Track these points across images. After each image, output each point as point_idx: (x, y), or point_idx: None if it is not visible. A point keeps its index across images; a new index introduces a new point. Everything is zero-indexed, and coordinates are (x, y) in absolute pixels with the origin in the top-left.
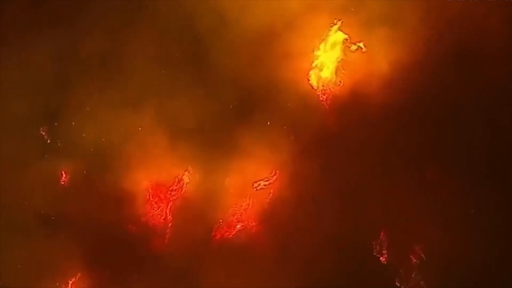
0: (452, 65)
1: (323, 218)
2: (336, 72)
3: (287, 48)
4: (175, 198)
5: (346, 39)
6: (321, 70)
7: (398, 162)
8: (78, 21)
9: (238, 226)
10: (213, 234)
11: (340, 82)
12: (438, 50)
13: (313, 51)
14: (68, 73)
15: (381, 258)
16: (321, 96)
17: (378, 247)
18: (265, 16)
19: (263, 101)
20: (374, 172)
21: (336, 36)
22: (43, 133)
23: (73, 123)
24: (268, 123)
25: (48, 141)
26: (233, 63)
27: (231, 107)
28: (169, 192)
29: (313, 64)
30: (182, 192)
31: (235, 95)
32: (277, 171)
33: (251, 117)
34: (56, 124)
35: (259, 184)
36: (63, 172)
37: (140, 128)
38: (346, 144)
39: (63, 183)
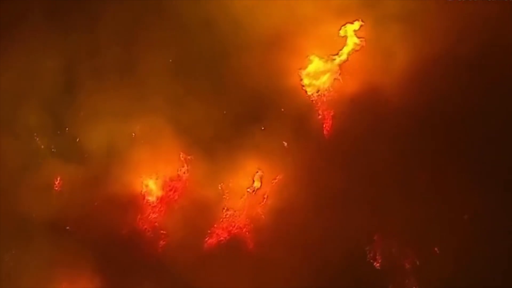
0: (468, 67)
1: (317, 224)
2: (333, 78)
3: (284, 54)
4: (170, 202)
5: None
6: (318, 75)
7: (391, 168)
8: (88, 28)
9: (232, 231)
10: (207, 238)
11: (334, 87)
12: (453, 52)
13: (308, 56)
14: (67, 80)
15: (375, 264)
16: (315, 101)
17: (372, 252)
18: (269, 23)
19: (258, 106)
20: (367, 177)
21: (342, 39)
22: (37, 139)
23: (67, 129)
24: (263, 128)
25: (42, 146)
26: (229, 70)
27: (224, 112)
28: (163, 196)
29: (308, 69)
30: (177, 196)
31: (229, 101)
32: (271, 176)
33: (245, 122)
34: (50, 129)
35: (253, 189)
36: (57, 178)
37: (133, 134)
38: (339, 149)
39: (57, 189)
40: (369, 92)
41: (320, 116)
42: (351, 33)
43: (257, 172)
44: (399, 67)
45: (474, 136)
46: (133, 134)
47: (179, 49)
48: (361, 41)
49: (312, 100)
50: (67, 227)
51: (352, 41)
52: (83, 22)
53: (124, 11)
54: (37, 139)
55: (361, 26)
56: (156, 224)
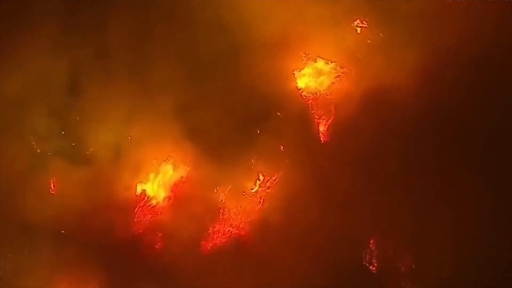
0: (474, 68)
1: (313, 227)
2: (330, 81)
3: (283, 57)
4: (168, 205)
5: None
6: (315, 77)
7: (388, 171)
8: (94, 28)
9: (230, 233)
10: (205, 241)
11: (331, 90)
12: (459, 53)
13: (305, 58)
14: (68, 83)
15: (370, 267)
16: (311, 104)
17: (367, 256)
18: (272, 25)
19: (255, 109)
20: (363, 181)
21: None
22: (33, 143)
23: (63, 132)
24: (258, 132)
25: (38, 150)
26: (229, 72)
27: (219, 115)
28: (161, 199)
29: (305, 72)
30: (175, 199)
31: (228, 103)
32: (268, 179)
33: (242, 125)
34: (47, 133)
35: (250, 192)
36: (53, 182)
37: (129, 138)
38: (335, 153)
39: (52, 192)
40: (366, 95)
41: (316, 119)
42: (351, 35)
43: (254, 175)
44: (400, 69)
45: (474, 139)
46: (129, 137)
47: (184, 52)
48: (362, 43)
49: (308, 104)
50: (62, 231)
51: (352, 44)
52: (90, 23)
53: (131, 13)
54: (34, 142)
55: (363, 27)
56: (154, 226)
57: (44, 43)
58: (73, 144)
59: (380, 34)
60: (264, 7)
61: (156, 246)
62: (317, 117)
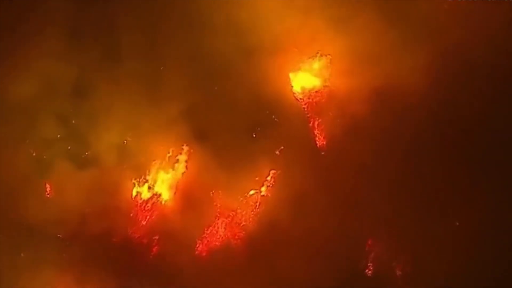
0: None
1: (311, 230)
2: (324, 83)
3: (281, 60)
4: (164, 207)
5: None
6: (310, 81)
7: (386, 173)
8: (102, 32)
9: (226, 237)
10: (202, 243)
11: (326, 92)
12: (462, 55)
13: (302, 61)
14: (68, 86)
15: (366, 271)
16: (306, 108)
17: (364, 260)
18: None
19: (249, 113)
20: (362, 183)
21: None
22: (36, 146)
23: (59, 136)
24: (254, 136)
25: (34, 154)
26: (223, 77)
27: (216, 119)
28: (157, 201)
29: (301, 75)
30: (172, 202)
31: (222, 107)
32: (264, 183)
33: (238, 128)
34: (43, 135)
35: (245, 196)
36: (47, 185)
37: (125, 141)
38: (332, 156)
39: (48, 195)
40: (366, 96)
41: (311, 123)
42: (352, 36)
43: (251, 178)
44: (399, 69)
45: (473, 143)
46: (125, 141)
47: (186, 56)
48: (362, 44)
49: (305, 106)
50: (59, 235)
51: (352, 44)
52: (97, 27)
53: (137, 18)
54: (36, 145)
55: (364, 28)
56: (153, 228)
57: (49, 46)
58: (69, 148)
59: (383, 34)
60: (267, 9)
61: (155, 248)
62: (314, 119)
